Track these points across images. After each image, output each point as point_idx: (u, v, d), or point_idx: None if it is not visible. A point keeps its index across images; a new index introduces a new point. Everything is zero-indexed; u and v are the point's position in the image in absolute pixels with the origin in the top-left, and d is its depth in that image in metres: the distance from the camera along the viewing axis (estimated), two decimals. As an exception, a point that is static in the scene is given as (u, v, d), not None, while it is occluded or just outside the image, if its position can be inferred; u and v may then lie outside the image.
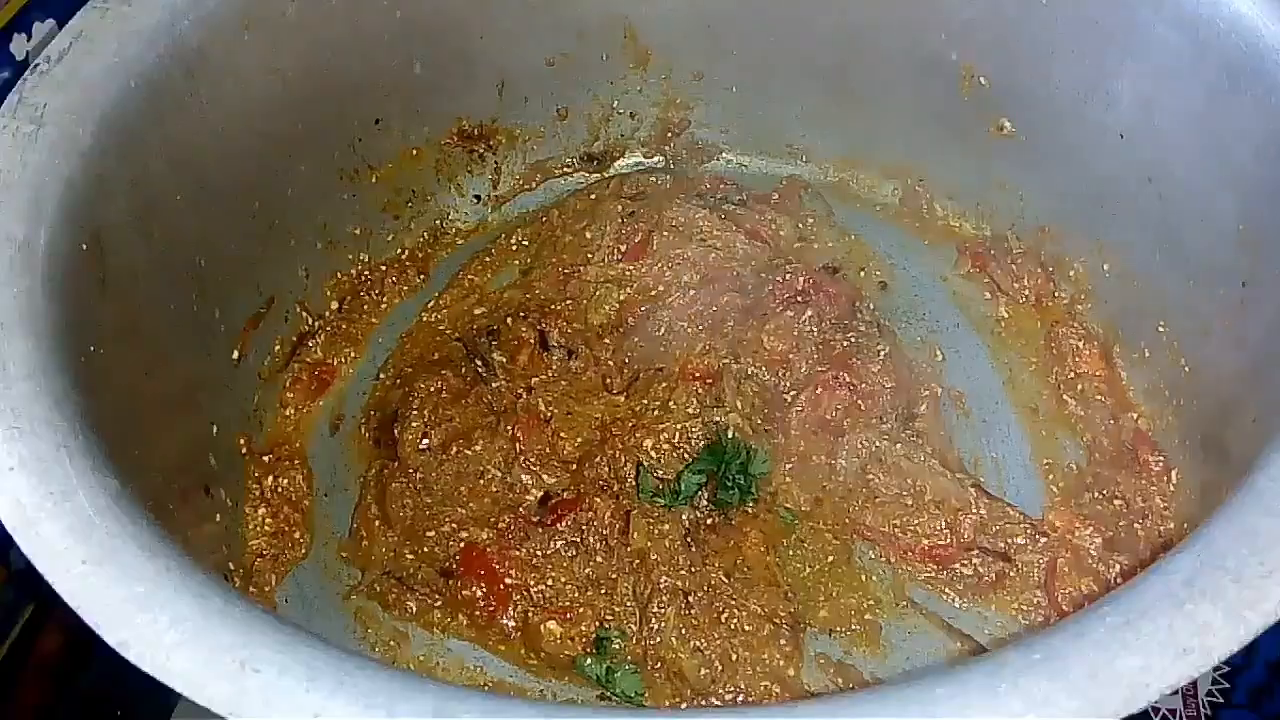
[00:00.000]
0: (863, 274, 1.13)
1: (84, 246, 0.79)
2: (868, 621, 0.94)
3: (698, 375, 1.01)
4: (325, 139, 1.09)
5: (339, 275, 1.17)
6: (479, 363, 1.04)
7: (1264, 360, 0.86)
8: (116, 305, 0.82)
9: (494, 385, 1.01)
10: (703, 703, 0.89)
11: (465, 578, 0.94)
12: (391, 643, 0.95)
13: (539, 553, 0.94)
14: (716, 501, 0.96)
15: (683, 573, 0.93)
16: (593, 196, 1.24)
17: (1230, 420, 0.89)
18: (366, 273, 1.19)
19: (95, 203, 0.80)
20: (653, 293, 1.09)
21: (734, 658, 0.90)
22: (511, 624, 0.93)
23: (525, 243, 1.20)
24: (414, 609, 0.95)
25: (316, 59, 1.04)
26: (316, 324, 1.13)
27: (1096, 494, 0.99)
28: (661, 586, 0.92)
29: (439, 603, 0.95)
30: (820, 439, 1.00)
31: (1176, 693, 1.02)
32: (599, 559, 0.94)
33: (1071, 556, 0.95)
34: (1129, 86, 1.01)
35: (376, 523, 1.00)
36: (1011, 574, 0.96)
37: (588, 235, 1.16)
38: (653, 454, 0.97)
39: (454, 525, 0.97)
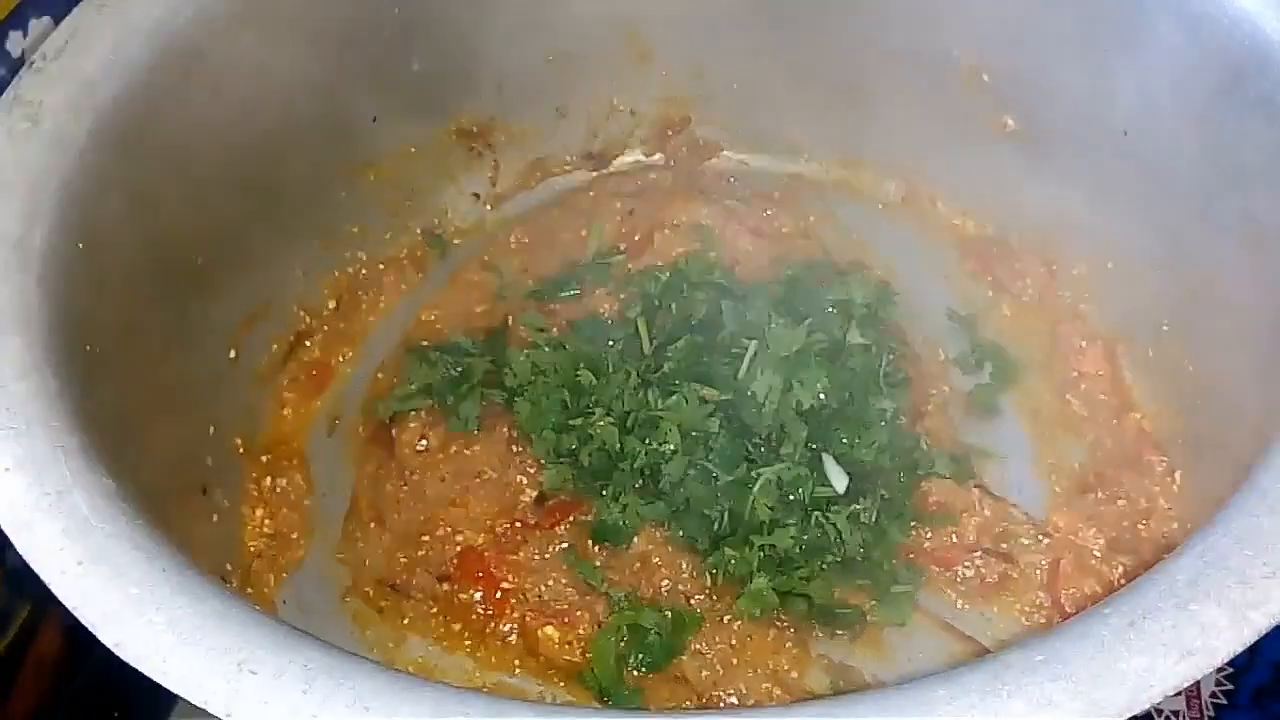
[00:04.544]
0: (864, 273, 1.13)
1: (80, 245, 0.78)
2: (870, 623, 0.93)
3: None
4: (323, 137, 1.09)
5: (337, 274, 1.16)
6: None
7: (1267, 360, 0.86)
8: (112, 304, 0.82)
9: None
10: (704, 704, 0.88)
11: (463, 582, 0.94)
12: (390, 644, 0.94)
13: (537, 556, 0.94)
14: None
15: (684, 575, 0.93)
16: (592, 194, 1.23)
17: (1233, 420, 0.89)
18: (364, 271, 1.18)
19: (91, 201, 0.80)
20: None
21: (735, 660, 0.89)
22: (509, 628, 0.93)
23: (525, 241, 1.20)
24: (410, 616, 0.95)
25: (315, 57, 1.04)
26: (314, 323, 1.13)
27: (1100, 494, 0.99)
28: (663, 589, 0.92)
29: (435, 609, 0.95)
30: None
31: (1180, 694, 1.01)
32: (598, 562, 0.94)
33: (1074, 557, 0.95)
34: (1132, 85, 1.01)
35: (371, 525, 1.00)
36: (1014, 575, 0.95)
37: (586, 234, 1.16)
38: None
39: (450, 529, 0.96)
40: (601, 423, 0.96)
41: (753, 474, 0.93)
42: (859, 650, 0.93)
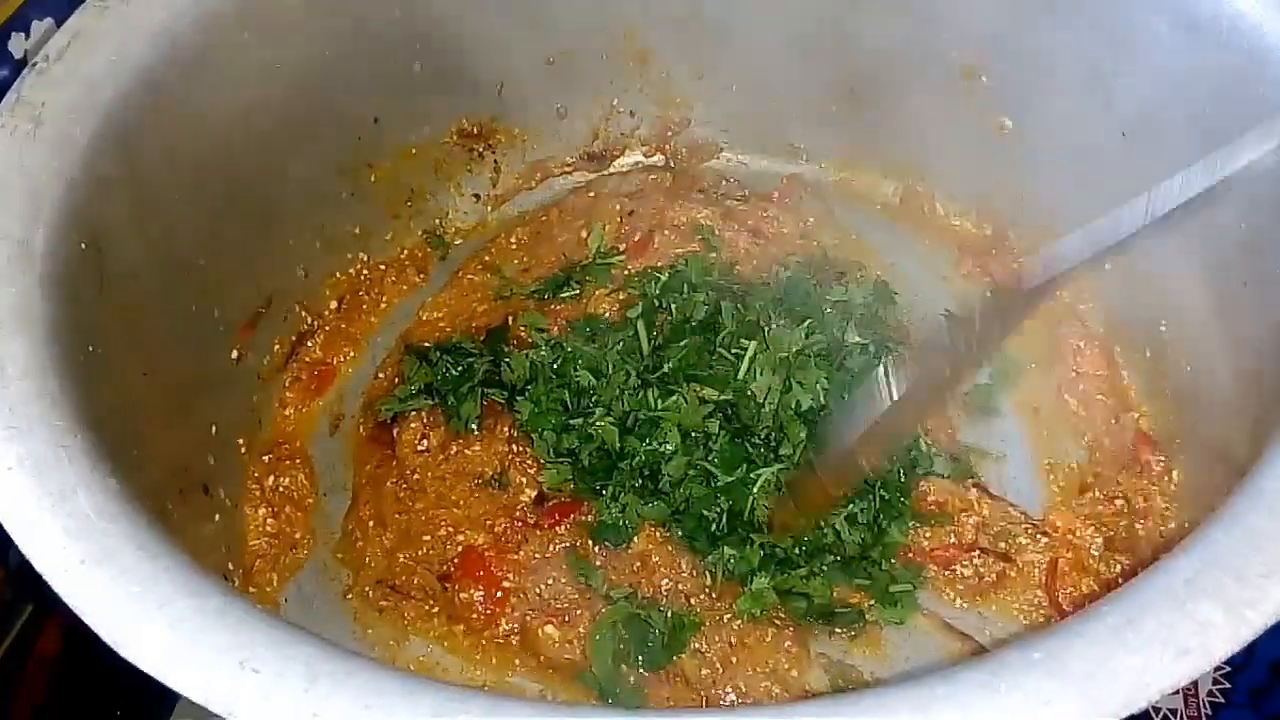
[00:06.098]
0: (863, 273, 1.13)
1: (82, 246, 0.78)
2: (869, 622, 0.94)
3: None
4: (324, 138, 1.09)
5: (338, 274, 1.16)
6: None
7: (1264, 360, 0.86)
8: (115, 304, 0.82)
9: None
10: (704, 703, 0.89)
11: (463, 581, 0.94)
12: (391, 642, 0.95)
13: (537, 556, 0.94)
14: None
15: (684, 575, 0.93)
16: (592, 195, 1.24)
17: (1231, 420, 0.89)
18: (365, 272, 1.18)
19: (93, 202, 0.80)
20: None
21: (735, 659, 0.90)
22: (510, 628, 0.93)
23: (525, 241, 1.20)
24: (410, 616, 0.95)
25: (316, 59, 1.04)
26: (315, 323, 1.13)
27: (1098, 494, 0.99)
28: (663, 589, 0.92)
29: (435, 609, 0.95)
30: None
31: (1177, 693, 1.02)
32: (598, 562, 0.94)
33: (1072, 556, 0.95)
34: (1130, 86, 1.01)
35: (371, 524, 1.00)
36: (1012, 574, 0.96)
37: (586, 234, 1.16)
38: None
39: (450, 528, 0.96)
40: (601, 423, 0.96)
41: (752, 474, 0.93)
42: (858, 649, 0.93)
